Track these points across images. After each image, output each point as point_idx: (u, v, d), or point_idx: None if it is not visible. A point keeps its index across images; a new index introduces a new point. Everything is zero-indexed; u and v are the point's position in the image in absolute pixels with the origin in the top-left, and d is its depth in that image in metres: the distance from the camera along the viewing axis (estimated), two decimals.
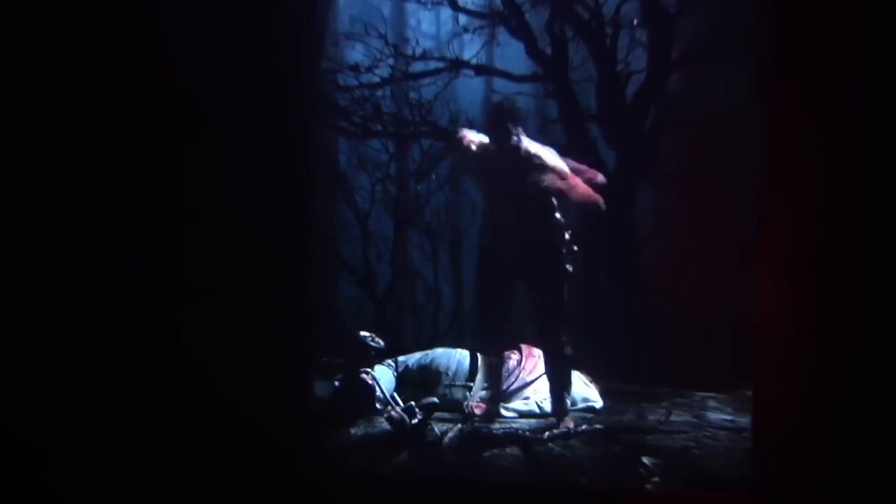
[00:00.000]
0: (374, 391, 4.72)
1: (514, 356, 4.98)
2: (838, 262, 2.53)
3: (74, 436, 2.81)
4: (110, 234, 2.81)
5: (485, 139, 4.52)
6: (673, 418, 4.73)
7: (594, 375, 5.09)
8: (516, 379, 4.93)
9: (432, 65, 7.08)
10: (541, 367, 4.82)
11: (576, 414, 4.70)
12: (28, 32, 2.80)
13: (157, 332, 2.81)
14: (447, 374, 4.97)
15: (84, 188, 2.81)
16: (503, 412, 4.79)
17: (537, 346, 4.85)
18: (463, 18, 7.01)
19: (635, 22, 6.23)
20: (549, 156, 4.55)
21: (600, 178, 4.59)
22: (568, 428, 4.38)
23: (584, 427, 4.42)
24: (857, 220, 2.52)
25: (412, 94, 7.16)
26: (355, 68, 7.04)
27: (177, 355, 2.81)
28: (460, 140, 4.53)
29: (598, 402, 4.96)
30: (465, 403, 4.73)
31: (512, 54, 6.80)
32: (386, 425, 4.50)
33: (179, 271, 2.84)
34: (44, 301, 2.80)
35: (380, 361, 4.98)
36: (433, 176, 7.07)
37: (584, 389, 4.95)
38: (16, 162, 2.79)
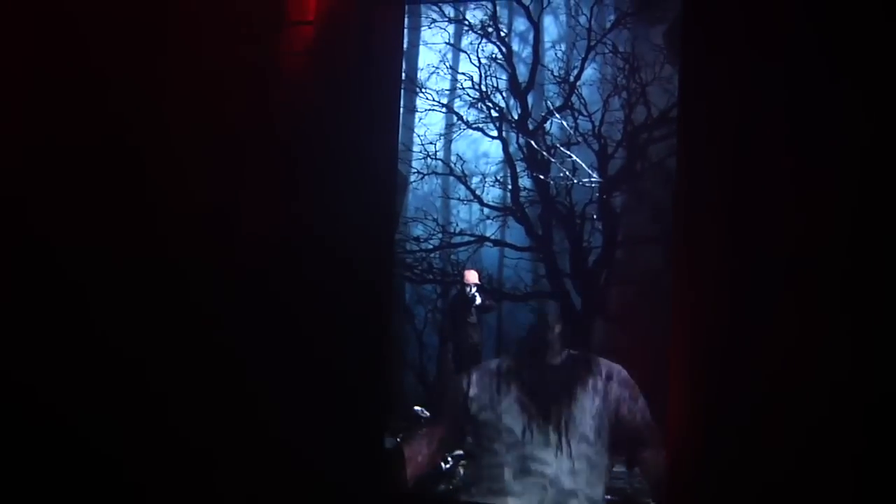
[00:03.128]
0: None
1: None
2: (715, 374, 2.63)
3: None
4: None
5: None
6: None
7: None
8: None
9: (465, 238, 7.37)
10: None
11: None
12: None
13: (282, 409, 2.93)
14: None
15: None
16: None
17: None
18: (486, 210, 7.37)
19: (594, 216, 6.50)
20: None
21: None
22: None
23: None
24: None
25: (452, 257, 7.38)
26: (417, 239, 7.37)
27: (304, 418, 2.94)
28: None
29: None
30: None
31: (516, 234, 7.07)
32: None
33: (306, 368, 2.96)
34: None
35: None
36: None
37: None
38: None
